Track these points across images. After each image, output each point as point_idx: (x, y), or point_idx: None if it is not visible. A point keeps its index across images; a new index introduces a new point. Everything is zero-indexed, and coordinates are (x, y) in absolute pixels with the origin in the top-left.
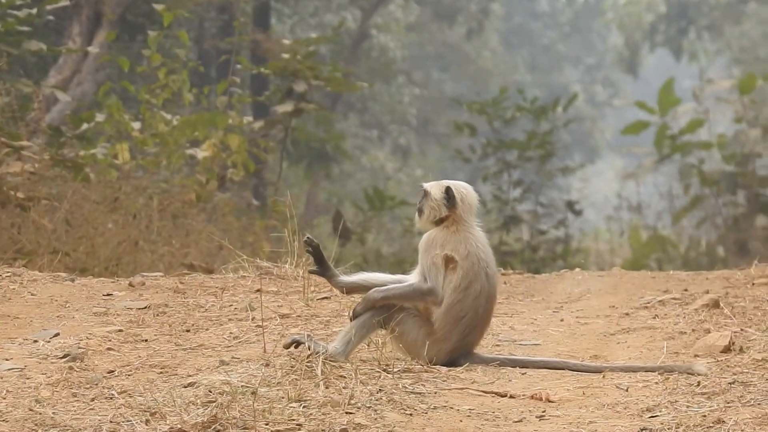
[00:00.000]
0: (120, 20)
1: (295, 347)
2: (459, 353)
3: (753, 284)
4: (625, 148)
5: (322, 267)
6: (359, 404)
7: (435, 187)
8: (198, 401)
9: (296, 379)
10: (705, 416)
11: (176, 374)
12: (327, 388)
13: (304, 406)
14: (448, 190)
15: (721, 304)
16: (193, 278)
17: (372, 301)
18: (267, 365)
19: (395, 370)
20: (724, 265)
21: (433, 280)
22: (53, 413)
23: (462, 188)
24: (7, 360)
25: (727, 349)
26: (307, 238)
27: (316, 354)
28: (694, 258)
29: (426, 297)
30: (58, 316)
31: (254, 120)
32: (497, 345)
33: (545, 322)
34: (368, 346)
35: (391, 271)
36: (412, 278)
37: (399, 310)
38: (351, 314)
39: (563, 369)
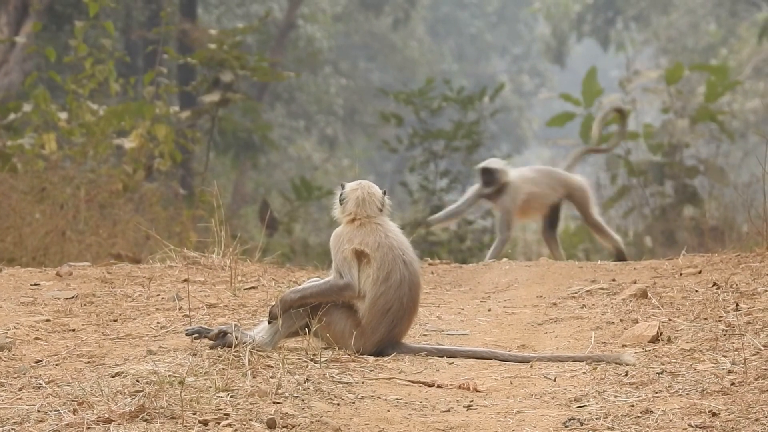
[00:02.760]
0: (47, 10)
1: (222, 337)
2: (387, 344)
3: (681, 274)
4: (551, 140)
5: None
6: (287, 394)
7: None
8: (125, 391)
9: (223, 368)
10: (633, 406)
11: (104, 364)
12: (254, 377)
13: (231, 396)
14: (341, 190)
15: (649, 294)
16: (120, 268)
17: (288, 302)
18: (194, 355)
19: (322, 359)
20: (651, 255)
21: (347, 274)
22: None
23: (358, 187)
24: None
25: (655, 339)
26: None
27: (243, 344)
28: None
29: (343, 292)
30: None
31: (181, 110)
32: (425, 335)
33: (473, 312)
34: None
35: (318, 261)
36: (329, 277)
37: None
38: (268, 316)
39: (491, 359)
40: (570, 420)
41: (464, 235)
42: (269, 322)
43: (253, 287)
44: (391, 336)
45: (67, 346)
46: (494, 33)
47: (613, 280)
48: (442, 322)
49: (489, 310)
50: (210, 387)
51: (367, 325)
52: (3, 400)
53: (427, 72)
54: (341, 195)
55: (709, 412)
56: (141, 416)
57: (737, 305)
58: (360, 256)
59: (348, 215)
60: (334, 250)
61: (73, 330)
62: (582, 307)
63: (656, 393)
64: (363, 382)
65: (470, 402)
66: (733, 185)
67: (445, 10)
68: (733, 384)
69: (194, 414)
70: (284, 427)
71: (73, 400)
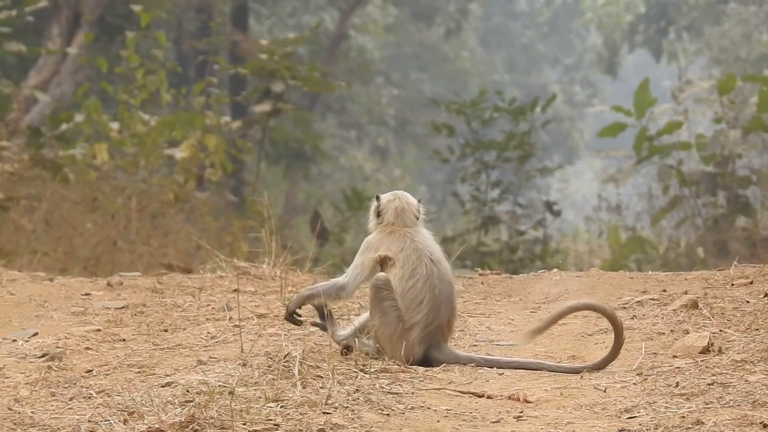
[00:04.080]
0: (98, 21)
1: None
2: (430, 343)
3: (732, 285)
4: (603, 151)
5: (324, 320)
6: (336, 404)
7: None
8: (176, 401)
9: (273, 379)
10: (684, 417)
11: (154, 374)
12: (304, 388)
13: (281, 406)
14: (376, 202)
15: (700, 305)
16: (171, 278)
17: (302, 297)
18: (244, 365)
19: (372, 370)
20: (703, 265)
21: (350, 276)
22: (32, 413)
23: (395, 198)
24: None
25: (705, 350)
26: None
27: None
28: (673, 259)
29: (339, 291)
30: (36, 316)
31: (232, 120)
32: (474, 345)
33: (523, 323)
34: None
35: None
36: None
37: (384, 300)
38: (285, 313)
39: (539, 370)
40: (620, 431)
41: (516, 245)
42: (287, 319)
43: None
44: (431, 333)
45: (118, 356)
46: (546, 43)
47: (664, 290)
48: (492, 332)
49: (539, 320)
50: (260, 397)
51: (405, 320)
52: (54, 410)
53: (478, 82)
54: (378, 207)
55: (760, 423)
56: (191, 426)
57: None
58: (385, 260)
59: (386, 226)
60: (359, 254)
61: (124, 340)
62: (632, 318)
63: (707, 404)
64: (413, 393)
65: (520, 413)
66: None
67: (496, 20)
68: None
69: (244, 424)
70: None
71: (123, 410)
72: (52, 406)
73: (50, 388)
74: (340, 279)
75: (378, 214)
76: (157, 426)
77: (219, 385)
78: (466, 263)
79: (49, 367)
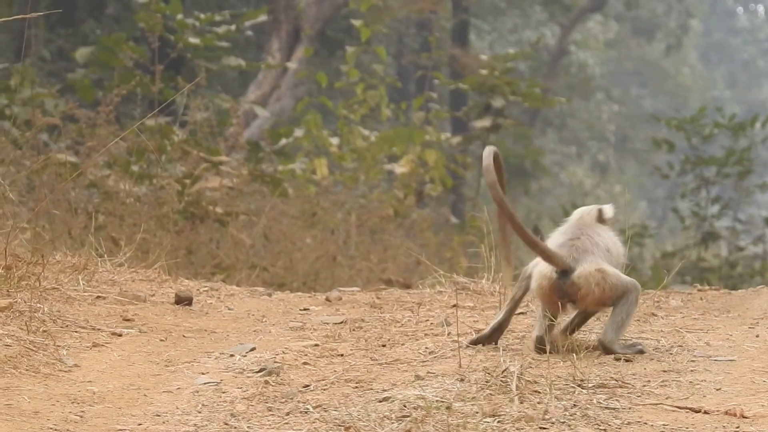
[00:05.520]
0: (318, 36)
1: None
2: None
3: None
4: None
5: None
6: (553, 419)
7: None
8: (393, 416)
9: (491, 394)
10: None
11: (371, 389)
12: (521, 403)
13: (498, 421)
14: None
15: None
16: (389, 293)
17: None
18: (462, 380)
19: (590, 385)
20: None
21: None
22: (248, 427)
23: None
24: (203, 374)
25: None
26: None
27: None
28: None
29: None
30: (254, 331)
31: (452, 135)
32: (692, 360)
33: (741, 338)
34: (563, 362)
35: None
36: None
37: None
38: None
39: None
40: None
41: (735, 261)
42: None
43: (522, 313)
44: None
45: (335, 371)
46: (766, 59)
47: None
48: (710, 348)
49: (757, 336)
50: (477, 412)
51: None
52: (270, 425)
53: (698, 98)
54: None
55: None
56: None
57: None
58: None
59: None
60: None
61: (342, 355)
62: None
63: None
64: (629, 408)
65: (736, 428)
66: None
67: (717, 36)
68: None
69: None
70: None
71: (340, 425)
72: (268, 421)
73: (267, 403)
74: None
75: None
76: None
77: (436, 400)
78: (686, 279)
79: (267, 382)
